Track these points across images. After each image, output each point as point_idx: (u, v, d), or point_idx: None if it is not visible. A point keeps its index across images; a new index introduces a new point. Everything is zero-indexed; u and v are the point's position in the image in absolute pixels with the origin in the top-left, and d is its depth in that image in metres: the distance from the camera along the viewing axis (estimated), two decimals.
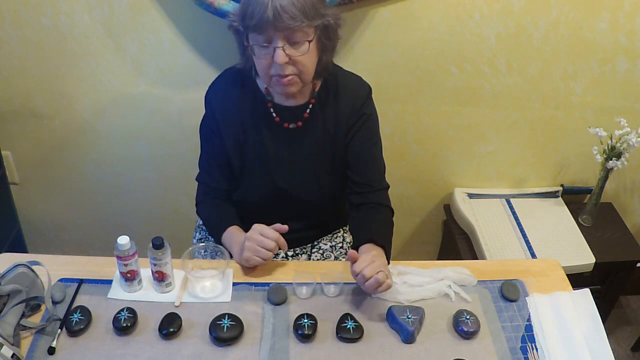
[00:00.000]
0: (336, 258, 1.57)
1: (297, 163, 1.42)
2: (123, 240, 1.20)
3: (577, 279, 1.76)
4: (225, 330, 1.17)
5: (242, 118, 1.39)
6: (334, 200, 1.52)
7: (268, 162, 1.42)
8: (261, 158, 1.41)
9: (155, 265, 1.23)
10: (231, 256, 1.37)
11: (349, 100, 1.39)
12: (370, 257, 1.21)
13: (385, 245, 1.32)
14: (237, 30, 1.26)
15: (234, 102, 1.39)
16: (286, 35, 1.18)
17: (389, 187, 1.46)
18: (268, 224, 1.30)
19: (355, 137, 1.40)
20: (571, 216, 1.99)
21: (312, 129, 1.40)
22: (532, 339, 1.22)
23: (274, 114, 1.38)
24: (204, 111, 1.43)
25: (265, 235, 1.28)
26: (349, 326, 1.20)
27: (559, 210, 2.01)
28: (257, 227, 1.29)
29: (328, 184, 1.46)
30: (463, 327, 1.21)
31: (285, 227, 1.30)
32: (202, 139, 1.46)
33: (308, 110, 1.38)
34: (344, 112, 1.38)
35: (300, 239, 1.57)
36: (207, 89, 1.42)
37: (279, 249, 1.30)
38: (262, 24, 1.16)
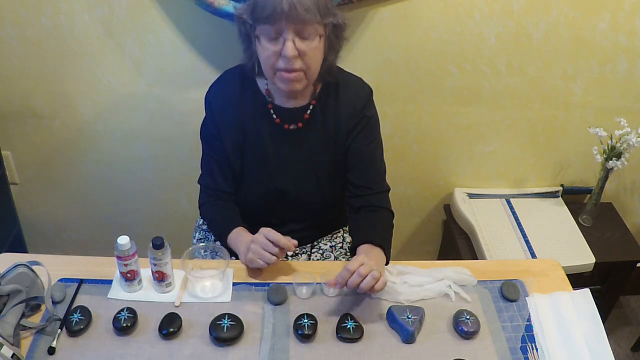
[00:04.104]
0: (336, 258, 1.57)
1: (297, 164, 1.42)
2: (123, 240, 1.20)
3: (577, 279, 1.76)
4: (225, 330, 1.17)
5: (242, 119, 1.38)
6: (334, 202, 1.51)
7: (268, 164, 1.41)
8: (261, 159, 1.41)
9: (155, 265, 1.23)
10: (232, 257, 1.37)
11: (349, 102, 1.38)
12: (360, 258, 1.19)
13: (384, 246, 1.31)
14: (244, 23, 1.24)
15: (234, 103, 1.38)
16: (297, 28, 1.18)
17: (389, 189, 1.45)
18: (268, 225, 1.29)
19: (355, 139, 1.39)
20: (571, 216, 1.99)
21: (312, 130, 1.39)
22: (532, 339, 1.22)
23: (274, 115, 1.37)
24: (204, 113, 1.43)
25: (270, 240, 1.26)
26: (349, 326, 1.20)
27: (559, 210, 2.01)
28: (264, 231, 1.27)
29: (328, 186, 1.46)
30: (463, 327, 1.21)
31: (295, 242, 1.27)
32: (203, 141, 1.45)
33: (308, 112, 1.38)
34: (344, 114, 1.38)
35: (300, 239, 1.56)
36: (207, 89, 1.42)
37: (286, 253, 1.27)
38: (275, 15, 1.15)
